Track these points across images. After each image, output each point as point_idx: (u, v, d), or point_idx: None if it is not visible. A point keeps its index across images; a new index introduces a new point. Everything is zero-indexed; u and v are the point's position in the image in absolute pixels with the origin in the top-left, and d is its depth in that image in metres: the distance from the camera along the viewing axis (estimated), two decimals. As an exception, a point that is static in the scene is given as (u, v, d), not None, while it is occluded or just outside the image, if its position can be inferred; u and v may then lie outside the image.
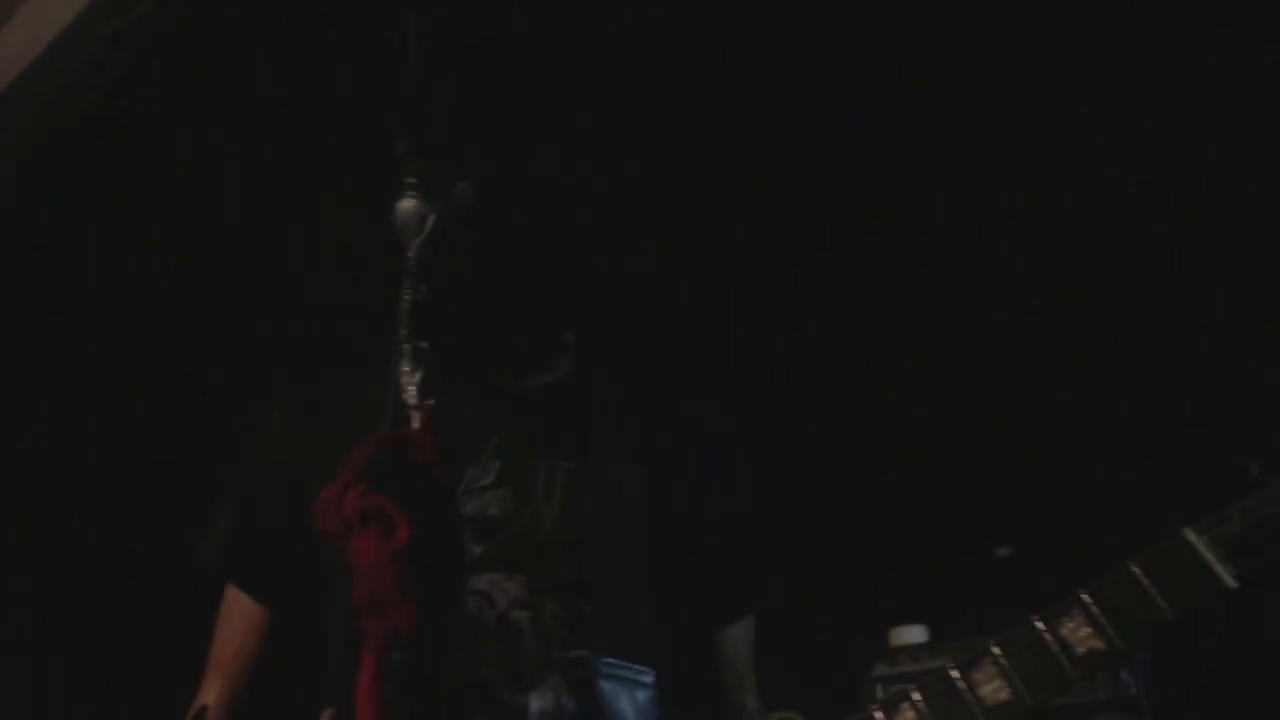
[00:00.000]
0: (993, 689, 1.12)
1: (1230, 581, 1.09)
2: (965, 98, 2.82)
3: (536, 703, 1.23)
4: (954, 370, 2.97)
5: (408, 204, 1.10)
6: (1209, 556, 1.09)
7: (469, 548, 1.27)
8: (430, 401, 1.03)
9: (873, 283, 3.07)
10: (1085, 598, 1.12)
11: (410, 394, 1.04)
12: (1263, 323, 2.49)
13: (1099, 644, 1.10)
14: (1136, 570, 1.11)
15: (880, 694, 2.13)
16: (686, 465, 1.40)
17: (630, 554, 1.31)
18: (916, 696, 1.14)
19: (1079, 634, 1.11)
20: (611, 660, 1.24)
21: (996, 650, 1.14)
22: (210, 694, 1.35)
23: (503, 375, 1.40)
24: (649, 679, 1.26)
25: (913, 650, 2.29)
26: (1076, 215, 2.87)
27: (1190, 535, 1.11)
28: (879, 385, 3.03)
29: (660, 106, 2.81)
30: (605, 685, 1.23)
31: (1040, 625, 1.13)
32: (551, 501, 1.31)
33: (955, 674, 1.13)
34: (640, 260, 1.60)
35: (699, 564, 1.38)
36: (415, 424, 1.03)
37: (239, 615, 1.37)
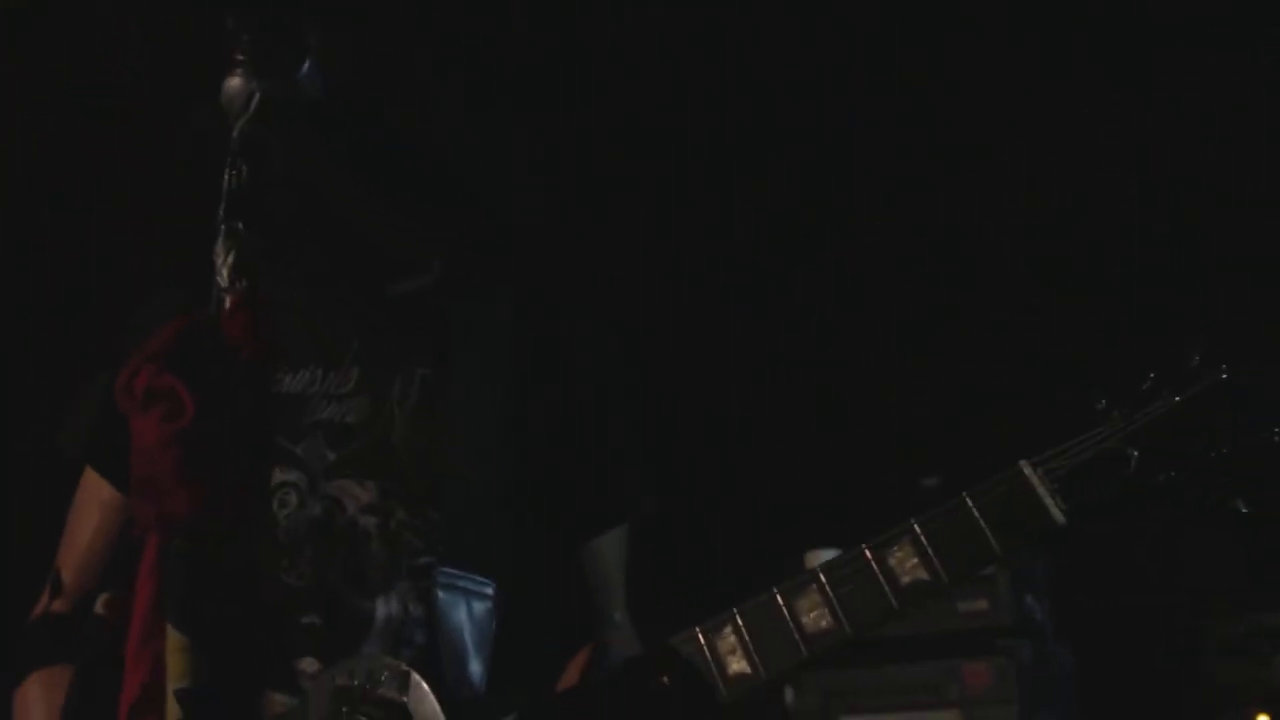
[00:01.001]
0: (815, 616, 1.09)
1: (1058, 516, 1.05)
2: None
3: (383, 609, 1.23)
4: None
5: (234, 81, 1.07)
6: (1040, 490, 1.05)
7: (324, 453, 1.26)
8: (244, 283, 1.01)
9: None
10: (916, 528, 1.08)
11: (223, 276, 1.02)
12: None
13: (924, 575, 1.06)
14: (969, 502, 1.07)
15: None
16: (555, 374, 1.36)
17: (483, 463, 1.28)
18: (739, 621, 1.10)
19: (906, 564, 1.08)
20: (451, 570, 1.22)
21: (822, 577, 1.10)
22: (64, 576, 1.32)
23: (365, 279, 1.36)
24: (489, 590, 1.24)
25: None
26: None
27: (1025, 468, 1.07)
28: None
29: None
30: (443, 595, 1.21)
31: (868, 553, 1.09)
32: (405, 409, 1.29)
33: (779, 598, 1.10)
34: (522, 181, 1.52)
35: (565, 474, 1.34)
36: (228, 305, 1.01)
37: (94, 501, 1.33)
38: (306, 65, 1.08)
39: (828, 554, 2.23)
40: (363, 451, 1.26)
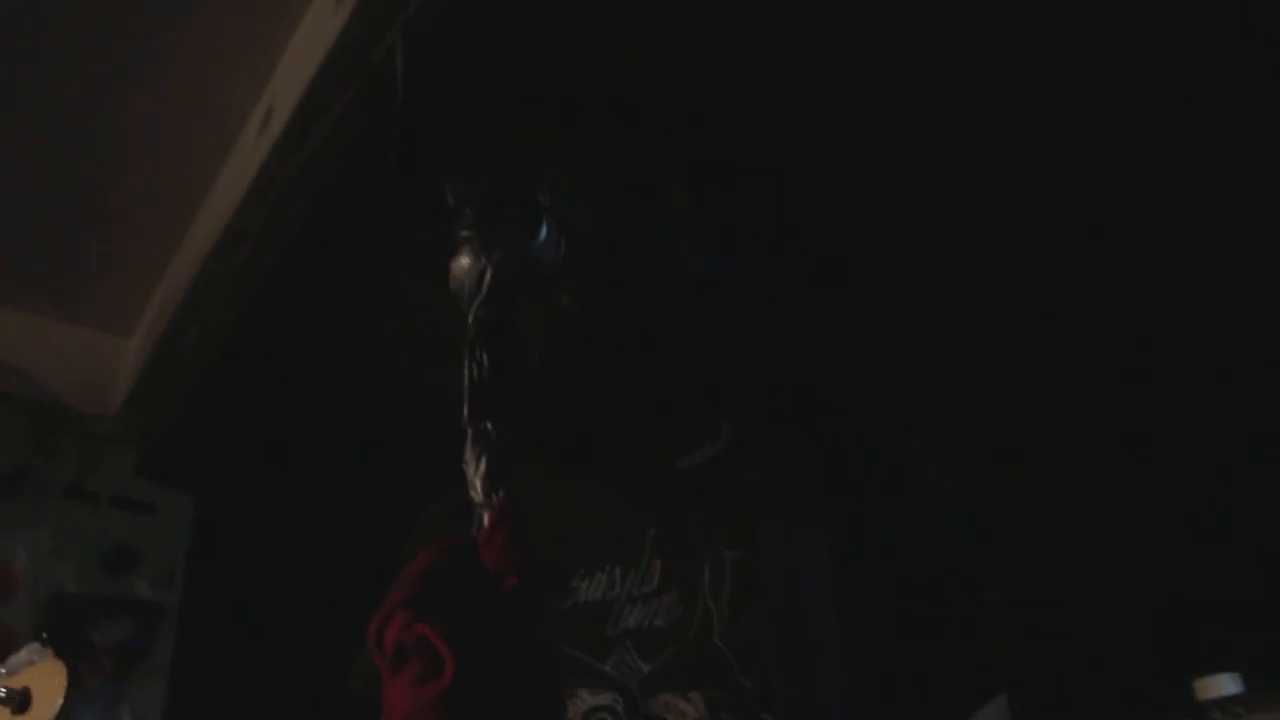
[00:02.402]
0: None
1: None
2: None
3: None
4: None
5: (463, 260, 0.94)
6: None
7: (637, 665, 1.07)
8: (501, 495, 0.85)
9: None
10: None
11: (476, 490, 0.86)
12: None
13: None
14: None
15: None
16: (880, 529, 1.15)
17: (819, 652, 1.09)
18: None
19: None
20: None
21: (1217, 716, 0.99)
22: None
23: (651, 457, 1.16)
24: None
25: (1225, 703, 1.95)
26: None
27: None
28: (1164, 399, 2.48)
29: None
30: None
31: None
32: (720, 602, 1.09)
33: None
34: (791, 280, 1.25)
35: (916, 647, 1.13)
36: (485, 524, 0.85)
37: None
38: (543, 229, 0.97)
39: (1224, 682, 1.98)
40: (681, 658, 1.07)
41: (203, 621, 3.07)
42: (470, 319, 0.91)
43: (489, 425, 0.86)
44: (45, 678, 1.01)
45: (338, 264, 2.46)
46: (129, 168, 2.79)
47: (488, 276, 0.92)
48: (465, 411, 0.87)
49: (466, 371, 0.88)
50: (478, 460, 0.85)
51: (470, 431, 0.86)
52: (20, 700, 1.00)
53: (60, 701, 0.97)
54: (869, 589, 1.10)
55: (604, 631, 1.08)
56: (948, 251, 2.37)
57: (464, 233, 0.94)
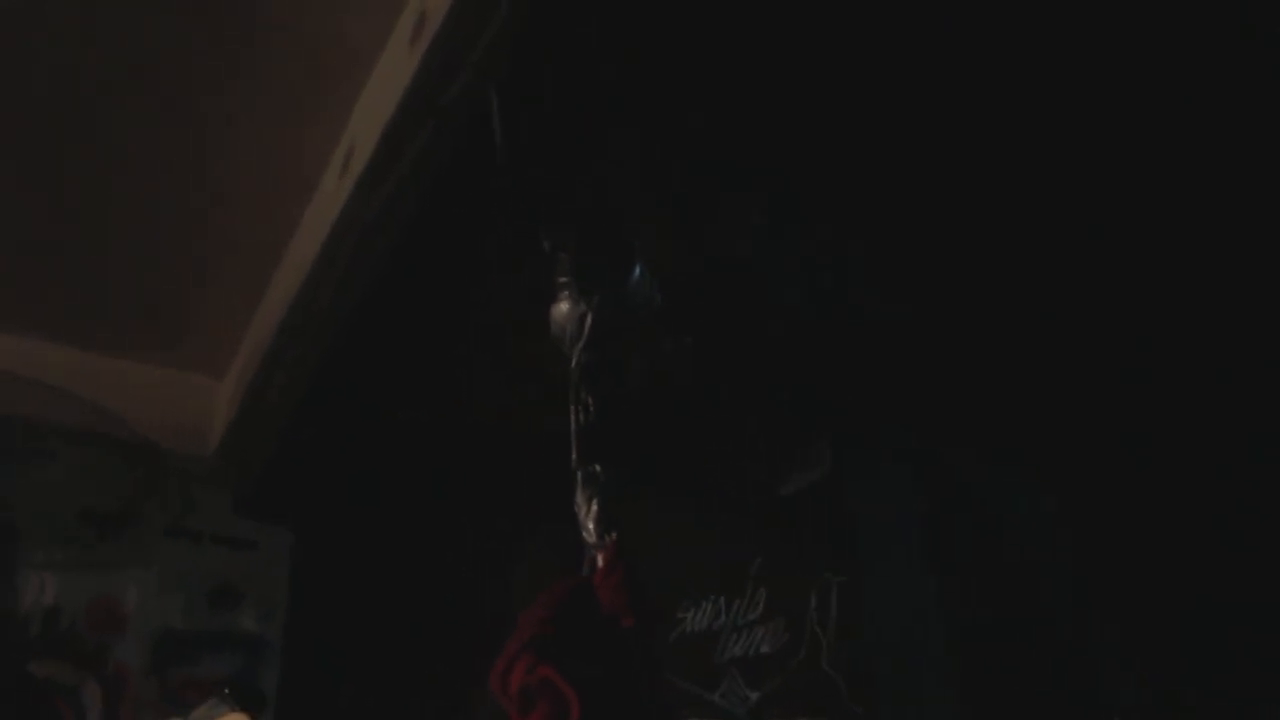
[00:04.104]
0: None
1: None
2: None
3: None
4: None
5: (562, 306, 0.98)
6: None
7: (745, 694, 1.07)
8: (614, 536, 0.88)
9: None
10: None
11: (589, 530, 0.89)
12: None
13: None
14: None
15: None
16: (986, 555, 1.14)
17: (927, 678, 1.07)
18: None
19: None
20: None
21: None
22: None
23: (751, 486, 1.17)
24: None
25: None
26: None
27: None
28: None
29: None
30: None
31: None
32: (828, 629, 1.08)
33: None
34: (882, 305, 1.33)
35: (1024, 674, 1.11)
36: (598, 565, 0.87)
37: None
38: (636, 270, 0.99)
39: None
40: (790, 685, 1.07)
41: (306, 653, 3.14)
42: (573, 363, 0.94)
43: (598, 468, 0.89)
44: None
45: (420, 300, 2.51)
46: (216, 215, 2.88)
47: (588, 321, 0.95)
48: (574, 455, 0.89)
49: (573, 415, 0.91)
50: (589, 502, 0.88)
51: (580, 474, 0.89)
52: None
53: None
54: (976, 614, 1.08)
55: (711, 661, 1.09)
56: (1045, 271, 2.29)
57: (561, 279, 0.97)
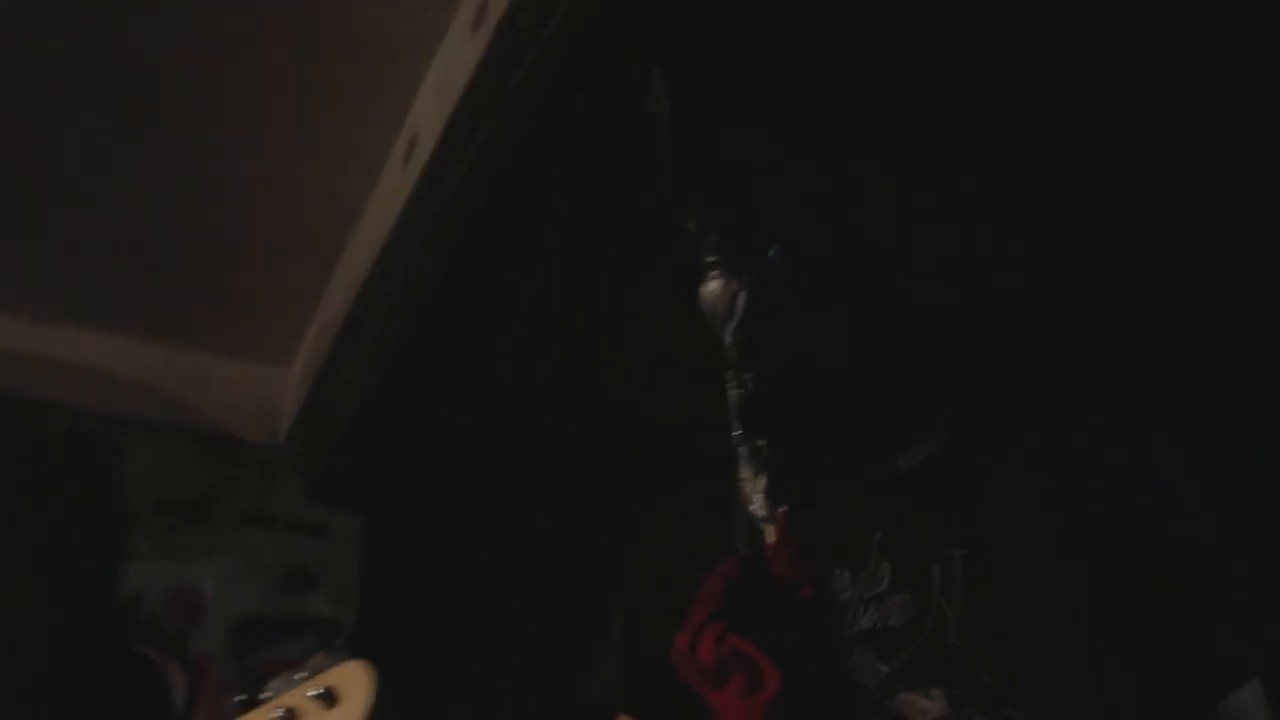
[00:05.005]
0: None
1: None
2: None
3: None
4: None
5: (713, 286, 0.98)
6: None
7: (875, 666, 1.07)
8: (784, 509, 0.90)
9: None
10: None
11: (758, 504, 0.90)
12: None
13: None
14: None
15: None
16: (1119, 526, 1.12)
17: (1058, 644, 1.06)
18: None
19: None
20: None
21: None
22: None
23: (873, 459, 1.17)
24: None
25: None
26: None
27: None
28: None
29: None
30: None
31: None
32: (954, 599, 1.08)
33: None
34: (1008, 284, 1.26)
35: (1162, 634, 1.09)
36: (770, 539, 0.88)
37: None
38: (773, 249, 0.98)
39: None
40: (919, 657, 1.07)
41: (380, 636, 3.18)
42: (728, 341, 0.95)
43: (762, 442, 0.90)
44: (351, 676, 1.06)
45: (488, 286, 2.52)
46: (280, 205, 2.91)
47: (740, 299, 0.95)
48: (738, 431, 0.90)
49: (732, 392, 0.92)
50: (756, 476, 0.90)
51: (745, 450, 0.90)
52: (329, 697, 1.07)
53: (372, 695, 1.02)
54: (1107, 581, 1.07)
55: (842, 633, 1.08)
56: (1165, 241, 2.20)
57: (709, 258, 0.97)
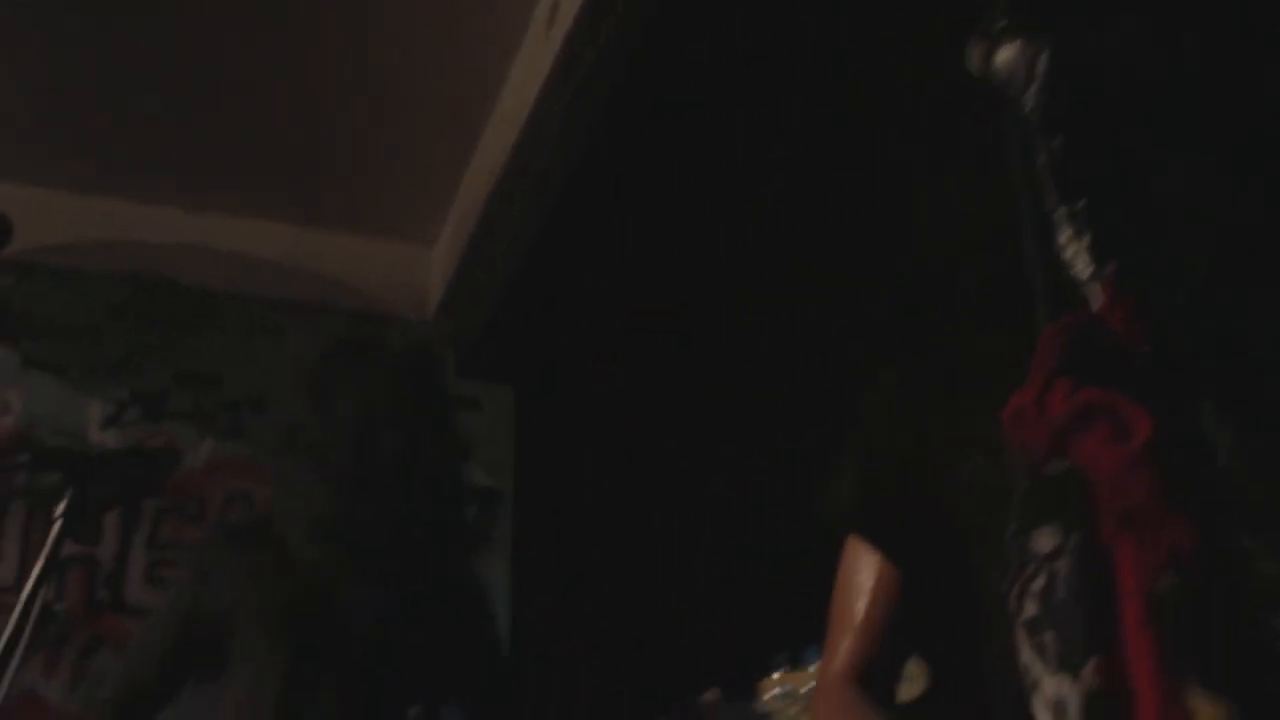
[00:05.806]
0: None
1: None
2: None
3: None
4: None
5: (1007, 52, 0.90)
6: None
7: None
8: (1113, 266, 0.83)
9: None
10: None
11: (1081, 264, 0.84)
12: None
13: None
14: None
15: None
16: None
17: None
18: None
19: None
20: None
21: None
22: (840, 656, 1.12)
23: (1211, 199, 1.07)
24: None
25: None
26: None
27: None
28: None
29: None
30: None
31: None
32: None
33: None
34: None
35: None
36: (1097, 300, 0.83)
37: (867, 574, 1.14)
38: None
39: None
40: None
41: (536, 505, 3.27)
42: (1029, 107, 0.88)
43: (1080, 204, 0.83)
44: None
45: (636, 157, 2.48)
46: (421, 81, 2.90)
47: (1042, 62, 0.87)
48: (1053, 196, 0.84)
49: (1041, 159, 0.85)
50: (1078, 237, 0.84)
51: (1063, 212, 0.84)
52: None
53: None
54: None
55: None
56: None
57: (1001, 23, 0.90)
